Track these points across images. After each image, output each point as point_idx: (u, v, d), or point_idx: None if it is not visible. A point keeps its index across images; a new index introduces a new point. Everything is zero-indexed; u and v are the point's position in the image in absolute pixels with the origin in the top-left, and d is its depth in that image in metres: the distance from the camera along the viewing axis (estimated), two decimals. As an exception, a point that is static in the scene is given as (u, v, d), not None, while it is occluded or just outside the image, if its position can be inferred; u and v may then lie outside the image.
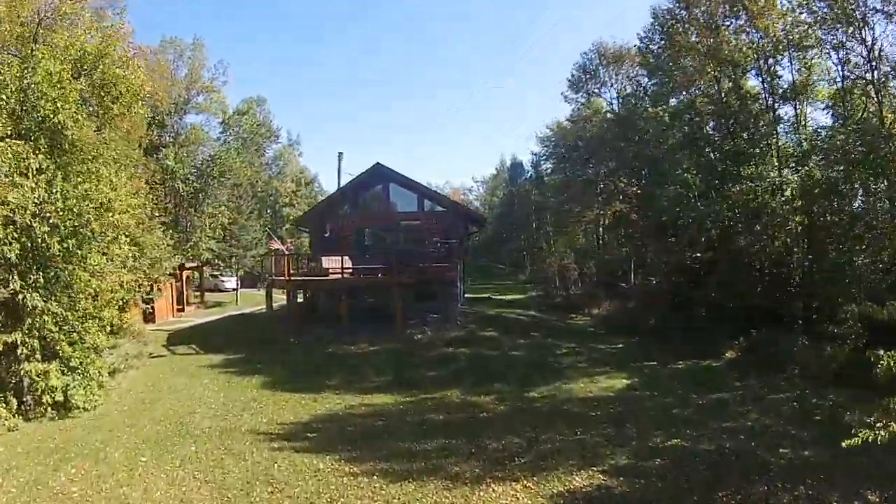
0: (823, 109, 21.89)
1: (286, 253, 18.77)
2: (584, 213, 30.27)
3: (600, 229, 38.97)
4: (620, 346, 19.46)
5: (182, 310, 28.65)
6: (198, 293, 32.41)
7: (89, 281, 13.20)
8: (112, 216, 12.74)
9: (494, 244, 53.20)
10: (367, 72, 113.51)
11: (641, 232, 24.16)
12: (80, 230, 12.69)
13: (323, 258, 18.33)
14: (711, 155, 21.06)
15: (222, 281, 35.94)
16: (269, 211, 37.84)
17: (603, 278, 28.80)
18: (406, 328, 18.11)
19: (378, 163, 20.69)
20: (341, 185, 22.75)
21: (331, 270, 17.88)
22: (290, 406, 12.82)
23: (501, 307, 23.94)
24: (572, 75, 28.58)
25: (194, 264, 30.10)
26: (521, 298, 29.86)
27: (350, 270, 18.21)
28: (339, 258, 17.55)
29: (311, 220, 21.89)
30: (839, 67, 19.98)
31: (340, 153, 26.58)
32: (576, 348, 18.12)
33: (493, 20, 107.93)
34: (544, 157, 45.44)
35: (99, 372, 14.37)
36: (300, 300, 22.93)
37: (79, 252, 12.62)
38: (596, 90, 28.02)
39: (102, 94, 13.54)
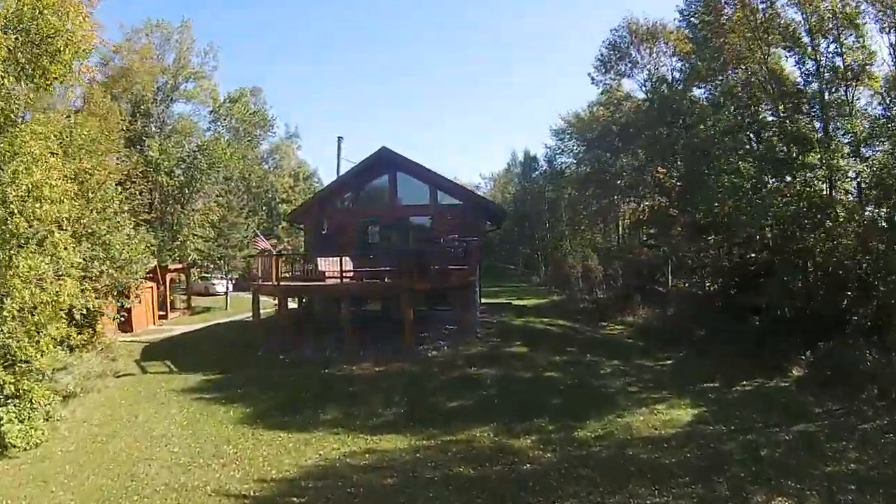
0: (872, 95, 19.50)
1: (274, 253, 15.77)
2: (611, 209, 27.44)
3: (620, 227, 36.18)
4: (669, 362, 16.58)
5: (165, 316, 25.82)
6: (186, 297, 29.55)
7: (22, 290, 10.44)
8: (40, 207, 9.88)
9: (504, 243, 50.20)
10: (367, 67, 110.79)
11: (682, 229, 21.22)
12: (5, 225, 9.92)
13: (319, 259, 15.43)
14: (771, 140, 18.12)
15: (213, 284, 33.06)
16: (264, 208, 35.01)
17: (631, 280, 25.86)
18: (418, 342, 15.21)
19: (384, 147, 17.59)
20: (341, 174, 19.86)
21: (328, 273, 15.01)
22: (273, 451, 9.94)
23: (525, 315, 20.95)
24: (601, 54, 25.43)
25: (179, 266, 27.27)
26: (541, 303, 26.96)
27: (351, 274, 15.31)
28: (338, 259, 14.63)
29: (307, 215, 18.87)
30: (891, 50, 17.79)
31: (340, 138, 23.53)
32: (620, 366, 15.20)
33: (493, 18, 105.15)
34: (559, 151, 42.63)
35: (44, 401, 11.75)
36: (294, 306, 20.11)
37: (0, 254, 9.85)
38: (626, 70, 25.03)
39: (38, 51, 10.69)
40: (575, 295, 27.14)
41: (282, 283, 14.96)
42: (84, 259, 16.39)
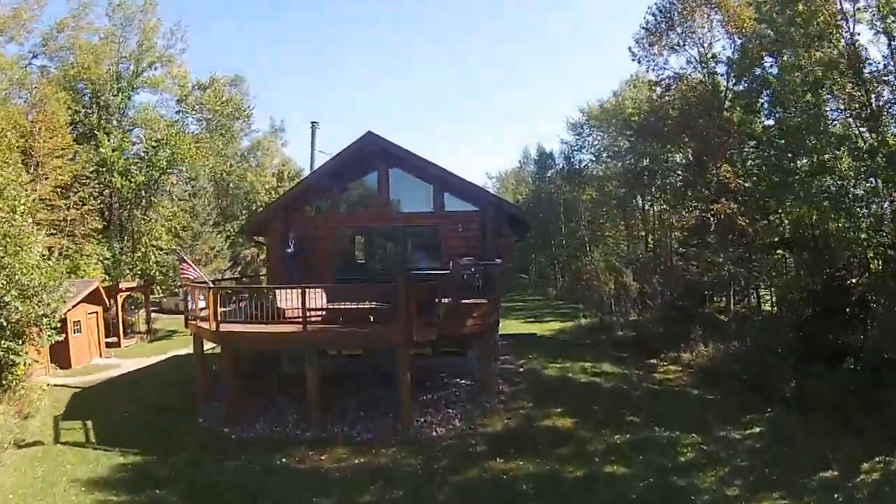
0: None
1: (209, 285, 11.04)
2: (642, 212, 22.91)
3: (649, 235, 31.70)
4: (757, 430, 12.13)
5: (117, 344, 21.50)
6: (146, 320, 25.14)
7: None
8: None
9: (514, 249, 45.54)
10: (363, 63, 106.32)
11: (755, 242, 16.68)
12: None
13: (277, 291, 10.93)
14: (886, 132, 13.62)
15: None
16: (244, 212, 30.62)
17: (675, 301, 21.26)
18: (418, 410, 10.77)
19: (370, 132, 12.76)
20: (314, 170, 15.15)
21: (289, 313, 10.57)
22: None
23: (558, 357, 16.10)
24: (646, 21, 20.31)
25: (133, 284, 22.91)
26: (568, 327, 22.45)
27: (322, 312, 10.82)
28: (298, 292, 10.06)
29: (268, 224, 14.12)
30: None
31: (314, 123, 18.43)
32: (702, 445, 10.72)
33: (493, 16, 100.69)
34: (577, 147, 38.14)
35: None
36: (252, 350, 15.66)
37: None
38: (679, 42, 20.18)
39: None
40: (608, 318, 22.60)
41: (223, 329, 10.52)
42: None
